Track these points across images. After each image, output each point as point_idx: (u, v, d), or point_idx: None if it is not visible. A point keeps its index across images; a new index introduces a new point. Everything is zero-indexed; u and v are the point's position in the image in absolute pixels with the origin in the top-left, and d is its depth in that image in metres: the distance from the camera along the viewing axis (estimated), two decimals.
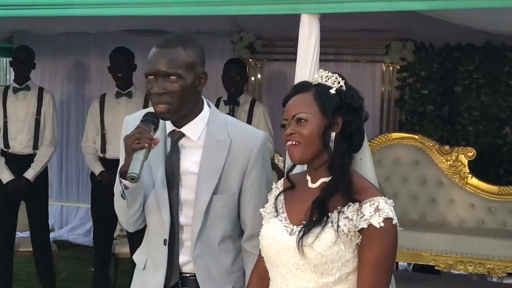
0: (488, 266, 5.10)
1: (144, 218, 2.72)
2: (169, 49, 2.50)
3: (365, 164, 2.38)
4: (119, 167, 2.53)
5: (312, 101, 2.26)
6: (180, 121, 2.59)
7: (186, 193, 2.62)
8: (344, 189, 2.20)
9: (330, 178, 2.27)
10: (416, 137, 5.86)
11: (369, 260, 2.16)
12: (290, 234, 2.25)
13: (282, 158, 6.02)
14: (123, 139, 2.53)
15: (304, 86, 2.33)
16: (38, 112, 5.90)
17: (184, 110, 2.55)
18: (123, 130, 2.68)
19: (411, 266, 6.29)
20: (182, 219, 2.63)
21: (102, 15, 4.61)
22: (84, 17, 5.12)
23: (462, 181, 5.67)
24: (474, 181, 5.66)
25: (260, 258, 2.45)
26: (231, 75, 5.72)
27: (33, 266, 6.06)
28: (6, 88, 6.02)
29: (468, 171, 5.67)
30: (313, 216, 2.20)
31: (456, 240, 5.22)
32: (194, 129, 2.61)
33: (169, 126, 2.63)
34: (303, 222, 2.22)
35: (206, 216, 2.59)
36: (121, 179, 2.50)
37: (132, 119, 2.66)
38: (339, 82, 2.29)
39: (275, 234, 2.28)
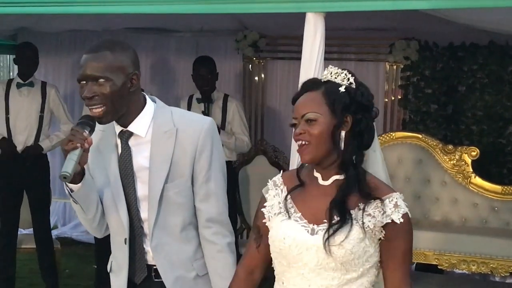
0: (491, 265, 5.09)
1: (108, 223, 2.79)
2: (96, 53, 2.57)
3: (375, 160, 2.38)
4: None
5: (321, 100, 2.24)
6: (124, 121, 2.66)
7: (142, 188, 2.69)
8: (360, 187, 2.22)
9: (343, 176, 2.26)
10: (420, 136, 5.84)
11: (398, 256, 2.24)
12: (312, 234, 2.24)
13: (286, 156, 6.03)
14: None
15: (313, 84, 2.30)
16: (42, 109, 5.89)
17: (119, 112, 2.61)
18: None
19: (414, 265, 6.28)
20: (143, 214, 2.70)
21: (106, 13, 4.62)
22: (88, 14, 5.12)
23: (466, 180, 5.65)
24: (477, 180, 5.65)
25: (251, 253, 2.45)
26: (202, 73, 5.71)
27: (36, 263, 6.07)
28: (9, 82, 5.98)
29: (471, 170, 5.65)
30: (333, 215, 2.21)
31: (459, 240, 5.21)
32: (140, 126, 2.67)
33: (117, 127, 2.69)
34: (324, 221, 2.23)
35: (160, 206, 2.66)
36: (66, 183, 2.55)
37: None
38: (348, 79, 2.27)
39: (295, 235, 2.26)
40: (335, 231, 2.18)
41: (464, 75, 6.77)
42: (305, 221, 2.28)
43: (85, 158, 2.53)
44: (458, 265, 5.17)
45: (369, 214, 2.19)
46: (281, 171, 2.50)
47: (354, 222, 2.19)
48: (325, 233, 2.20)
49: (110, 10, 4.24)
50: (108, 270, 2.85)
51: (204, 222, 2.72)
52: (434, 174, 5.74)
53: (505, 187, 5.62)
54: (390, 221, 2.18)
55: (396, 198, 2.21)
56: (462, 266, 5.17)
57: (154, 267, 2.73)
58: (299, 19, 3.69)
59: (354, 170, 2.24)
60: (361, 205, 2.20)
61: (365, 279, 2.25)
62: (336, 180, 2.28)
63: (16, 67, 6.26)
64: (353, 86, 2.27)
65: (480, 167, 5.81)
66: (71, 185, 2.56)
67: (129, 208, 2.69)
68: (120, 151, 2.69)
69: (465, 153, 5.68)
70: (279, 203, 2.36)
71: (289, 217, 2.31)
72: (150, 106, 2.70)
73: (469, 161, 5.65)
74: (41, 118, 5.89)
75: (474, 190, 5.64)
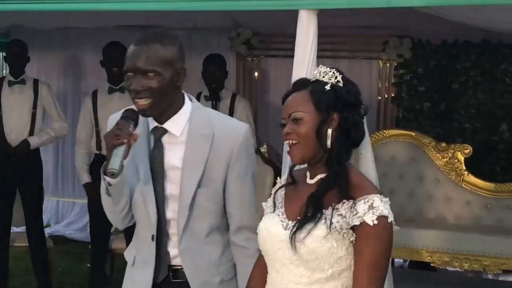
0: (484, 263, 5.11)
1: (132, 215, 2.74)
2: (146, 45, 2.52)
3: (365, 158, 2.38)
4: (103, 165, 2.53)
5: (307, 99, 2.26)
6: (161, 117, 2.61)
7: (171, 188, 2.64)
8: (340, 185, 2.20)
9: (326, 174, 2.26)
10: (413, 134, 5.86)
11: (364, 258, 2.14)
12: (285, 229, 2.25)
13: (268, 145, 6.03)
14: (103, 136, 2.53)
15: (301, 84, 2.32)
16: (34, 106, 5.88)
17: (164, 106, 2.58)
18: (108, 128, 2.67)
19: (407, 262, 6.29)
20: (169, 214, 2.66)
21: (98, 10, 4.60)
22: (80, 11, 5.10)
23: (459, 178, 5.67)
24: (470, 178, 5.67)
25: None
26: (211, 70, 5.69)
27: (29, 261, 6.05)
28: (1, 79, 5.96)
29: (464, 168, 5.67)
30: (308, 211, 2.21)
31: (452, 237, 5.22)
32: (176, 124, 2.63)
33: (151, 123, 2.65)
34: (298, 217, 2.23)
35: (191, 210, 2.61)
36: (104, 176, 2.52)
37: (115, 118, 2.66)
38: (336, 77, 2.28)
39: (271, 228, 2.30)
40: (300, 227, 2.18)
41: (457, 73, 6.78)
42: (285, 216, 2.30)
43: (128, 153, 2.50)
44: (451, 263, 5.19)
45: (340, 214, 2.16)
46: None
47: (322, 221, 2.16)
48: (292, 227, 2.21)
49: (103, 7, 4.22)
50: (131, 264, 2.78)
51: (236, 228, 2.68)
52: (427, 172, 5.76)
53: (498, 184, 5.64)
54: (359, 223, 2.12)
55: (373, 200, 2.15)
56: (455, 264, 5.18)
57: (174, 267, 2.69)
58: (293, 16, 3.68)
59: (337, 167, 2.22)
60: (334, 204, 2.18)
61: (338, 282, 2.21)
62: (320, 178, 2.28)
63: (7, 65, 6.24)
64: (340, 84, 2.27)
65: (473, 165, 5.82)
66: (109, 179, 2.52)
67: (157, 205, 2.65)
68: (152, 147, 2.66)
69: (458, 151, 5.70)
70: (274, 198, 2.41)
71: (273, 211, 2.36)
72: (187, 105, 2.66)
73: (462, 158, 5.67)
74: (33, 115, 5.87)
75: (467, 188, 5.66)
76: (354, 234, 2.15)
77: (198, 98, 5.69)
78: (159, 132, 2.63)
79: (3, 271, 5.89)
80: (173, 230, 2.67)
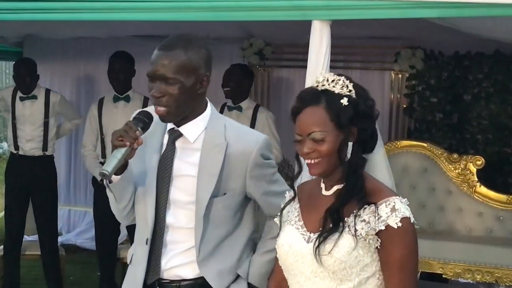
0: (496, 275, 5.09)
1: None
2: (169, 51, 2.49)
3: (378, 161, 2.34)
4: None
5: (325, 117, 2.17)
6: (180, 121, 2.60)
7: (176, 193, 2.61)
8: (358, 194, 2.18)
9: (343, 185, 2.23)
10: (425, 145, 5.84)
11: (393, 262, 2.15)
12: (307, 242, 2.24)
13: (291, 165, 5.99)
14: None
15: (312, 97, 2.21)
16: (47, 115, 5.91)
17: (183, 113, 2.56)
18: None
19: (419, 274, 6.26)
20: (169, 219, 2.63)
21: (112, 20, 4.62)
22: (94, 21, 5.13)
23: (471, 189, 5.65)
24: (482, 189, 5.64)
25: (278, 266, 2.44)
26: (227, 80, 5.66)
27: (41, 270, 6.06)
28: (15, 90, 5.97)
29: (476, 179, 5.65)
30: (327, 224, 2.19)
31: (464, 249, 5.21)
32: (192, 130, 2.61)
33: (169, 124, 2.63)
34: (320, 228, 2.21)
35: (206, 219, 2.59)
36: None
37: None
38: (347, 86, 2.20)
39: (292, 243, 2.27)
40: (324, 239, 2.16)
41: (469, 84, 6.77)
42: (305, 229, 2.28)
43: (132, 154, 2.48)
44: (463, 274, 5.17)
45: (363, 220, 2.15)
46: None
47: (346, 230, 2.15)
48: (315, 241, 2.18)
49: (116, 17, 4.24)
50: (128, 262, 2.81)
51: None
52: (439, 183, 5.74)
53: (510, 196, 5.61)
54: (384, 228, 2.11)
55: (394, 202, 2.14)
56: (467, 276, 5.16)
57: (162, 280, 2.67)
58: (305, 27, 3.68)
59: (354, 177, 2.20)
60: (355, 211, 2.17)
61: None
62: (337, 189, 2.26)
63: None
64: (353, 95, 2.20)
65: (485, 176, 5.80)
66: (107, 179, 2.52)
67: (157, 208, 2.62)
68: (164, 148, 2.64)
69: (470, 162, 5.68)
70: (288, 212, 2.37)
71: (292, 225, 2.32)
72: (207, 113, 2.64)
73: (474, 170, 5.65)
74: (46, 124, 5.91)
75: (479, 199, 5.63)
76: (379, 239, 2.14)
77: (222, 109, 5.66)
78: (174, 135, 2.62)
79: (15, 280, 5.91)
80: (170, 238, 2.64)
